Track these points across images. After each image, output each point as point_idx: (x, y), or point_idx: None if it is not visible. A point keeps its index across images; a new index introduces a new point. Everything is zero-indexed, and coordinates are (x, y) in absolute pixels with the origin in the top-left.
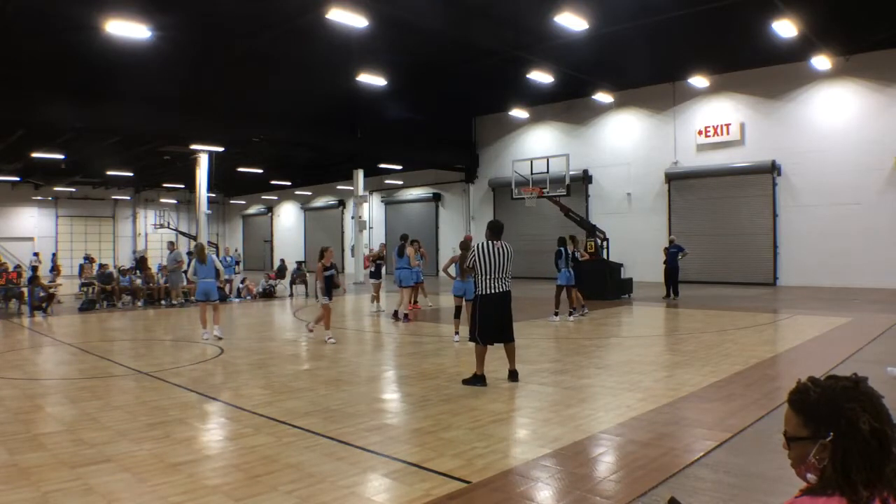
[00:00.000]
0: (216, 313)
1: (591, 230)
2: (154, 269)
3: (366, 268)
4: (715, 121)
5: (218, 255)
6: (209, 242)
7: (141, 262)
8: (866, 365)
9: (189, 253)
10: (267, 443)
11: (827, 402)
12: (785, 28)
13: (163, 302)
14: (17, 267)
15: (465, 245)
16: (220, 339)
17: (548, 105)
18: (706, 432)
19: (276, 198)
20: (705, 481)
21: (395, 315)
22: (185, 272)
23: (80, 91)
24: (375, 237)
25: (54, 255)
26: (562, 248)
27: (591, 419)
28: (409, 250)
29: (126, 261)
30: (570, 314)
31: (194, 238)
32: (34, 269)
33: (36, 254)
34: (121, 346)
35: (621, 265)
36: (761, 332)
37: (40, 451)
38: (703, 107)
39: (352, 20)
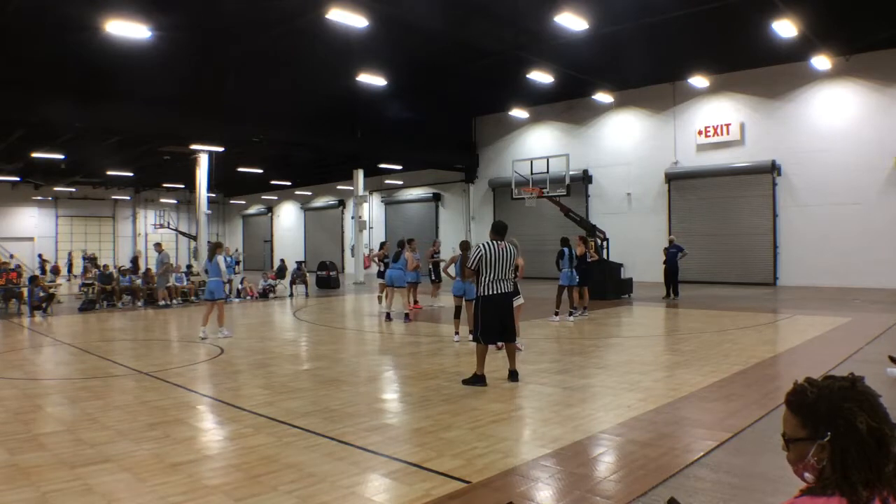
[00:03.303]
0: (219, 313)
1: (591, 230)
2: (153, 269)
3: (366, 267)
4: (715, 121)
5: None
6: (209, 243)
7: (135, 262)
8: (866, 365)
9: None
10: (267, 443)
11: (824, 402)
12: (785, 28)
13: (162, 302)
14: (18, 267)
15: (465, 245)
16: (226, 337)
17: (548, 105)
18: (706, 432)
19: (276, 198)
20: (705, 481)
21: (388, 317)
22: (188, 271)
23: (80, 91)
24: (375, 237)
25: (41, 257)
26: (565, 249)
27: (591, 419)
28: (408, 255)
29: (126, 261)
30: (570, 314)
31: (194, 238)
32: (43, 269)
33: (40, 255)
34: (121, 346)
35: (621, 265)
36: (761, 332)
37: (40, 451)
38: (703, 107)
39: (352, 20)
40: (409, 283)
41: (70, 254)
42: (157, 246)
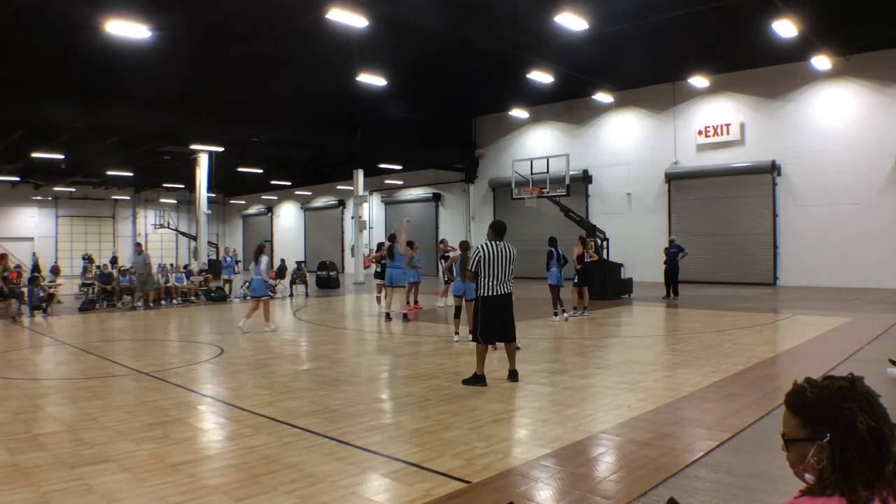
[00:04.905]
0: (265, 309)
1: (591, 230)
2: (154, 269)
3: (366, 267)
4: (715, 121)
5: (218, 256)
6: (209, 243)
7: (114, 262)
8: (866, 365)
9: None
10: (267, 443)
11: (824, 402)
12: (785, 28)
13: (162, 302)
14: (18, 267)
15: (465, 246)
16: (272, 331)
17: (548, 105)
18: (706, 432)
19: (276, 198)
20: (705, 481)
21: (388, 317)
22: (187, 271)
23: (80, 91)
24: (375, 237)
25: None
26: (553, 249)
27: (591, 419)
28: (399, 247)
29: (126, 262)
30: (565, 311)
31: (194, 238)
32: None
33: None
34: (121, 346)
35: (621, 265)
36: (761, 332)
37: (40, 451)
38: (703, 107)
39: (352, 20)
40: (411, 283)
41: (34, 254)
42: (138, 247)
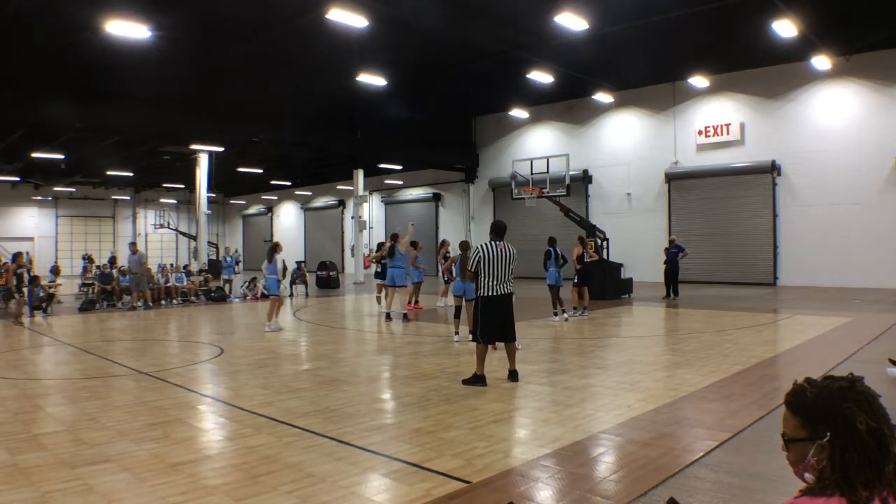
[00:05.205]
0: (270, 308)
1: (591, 230)
2: (154, 269)
3: (366, 267)
4: (715, 121)
5: (218, 255)
6: (209, 243)
7: (112, 262)
8: (866, 365)
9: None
10: (267, 443)
11: (823, 402)
12: (785, 28)
13: (162, 302)
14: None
15: (465, 246)
16: (273, 331)
17: (548, 105)
18: (706, 432)
19: (276, 198)
20: (705, 481)
21: (388, 317)
22: (186, 271)
23: (80, 91)
24: (375, 237)
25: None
26: (551, 249)
27: (591, 419)
28: (401, 248)
29: (125, 262)
30: (564, 312)
31: (194, 238)
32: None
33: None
34: (120, 346)
35: (621, 265)
36: (761, 332)
37: (40, 451)
38: (703, 107)
39: (352, 20)
40: (415, 283)
41: (28, 253)
42: (132, 246)
